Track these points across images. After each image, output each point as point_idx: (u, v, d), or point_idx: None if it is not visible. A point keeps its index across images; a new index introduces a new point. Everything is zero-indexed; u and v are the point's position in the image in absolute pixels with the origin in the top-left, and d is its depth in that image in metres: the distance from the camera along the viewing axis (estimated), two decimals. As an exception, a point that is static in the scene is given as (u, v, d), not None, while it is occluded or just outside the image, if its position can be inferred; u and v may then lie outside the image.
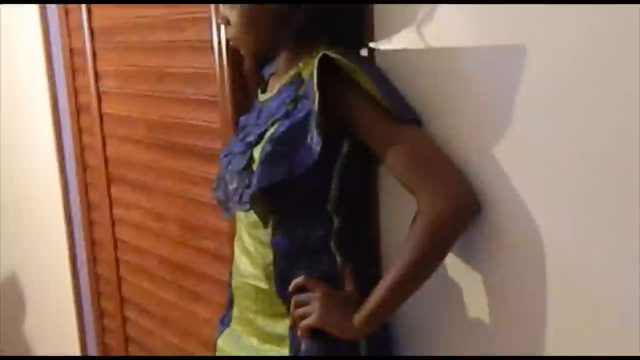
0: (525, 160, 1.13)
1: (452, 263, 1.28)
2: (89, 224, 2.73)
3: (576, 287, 1.10)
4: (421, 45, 1.26)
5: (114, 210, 2.51)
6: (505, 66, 1.14)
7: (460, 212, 1.16)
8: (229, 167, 1.35)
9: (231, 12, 1.31)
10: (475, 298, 1.26)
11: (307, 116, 1.21)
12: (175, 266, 2.24)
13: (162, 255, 2.29)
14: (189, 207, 2.12)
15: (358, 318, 1.21)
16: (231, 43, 1.39)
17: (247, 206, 1.27)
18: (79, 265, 2.85)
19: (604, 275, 1.06)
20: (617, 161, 1.01)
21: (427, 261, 1.18)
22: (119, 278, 2.57)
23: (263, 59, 1.58)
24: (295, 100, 1.26)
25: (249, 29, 1.30)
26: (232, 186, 1.35)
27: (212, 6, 1.76)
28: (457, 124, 1.23)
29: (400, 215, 1.35)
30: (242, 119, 1.47)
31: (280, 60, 1.38)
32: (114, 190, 2.49)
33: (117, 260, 2.55)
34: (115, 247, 2.54)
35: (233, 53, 1.75)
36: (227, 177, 1.37)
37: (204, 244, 2.09)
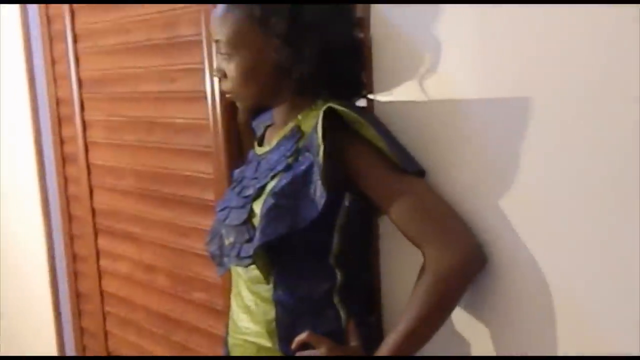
0: (529, 211, 1.12)
1: (458, 315, 1.26)
2: (74, 276, 2.68)
3: (585, 339, 1.08)
4: (421, 97, 1.26)
5: (101, 262, 2.47)
6: (508, 117, 1.13)
7: (467, 267, 1.15)
8: (226, 222, 1.33)
9: (228, 64, 1.29)
10: (481, 351, 1.24)
11: (309, 169, 1.20)
12: (164, 319, 2.19)
13: (151, 308, 2.25)
14: (180, 258, 2.09)
15: None
16: (227, 96, 1.37)
17: (248, 261, 1.25)
18: (63, 318, 2.78)
19: (614, 326, 1.04)
20: (622, 210, 1.00)
21: (434, 317, 1.16)
22: (105, 332, 2.50)
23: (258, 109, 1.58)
24: (296, 153, 1.25)
25: (248, 82, 1.29)
26: (229, 241, 1.32)
27: (206, 57, 1.76)
28: (459, 176, 1.22)
29: (400, 264, 1.34)
30: (237, 172, 1.45)
31: (278, 112, 1.36)
32: (101, 242, 2.45)
33: (103, 314, 2.49)
34: (102, 300, 2.49)
35: (227, 104, 1.75)
36: (223, 232, 1.34)
37: (195, 296, 2.05)
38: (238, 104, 1.39)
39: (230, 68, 1.29)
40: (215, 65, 1.37)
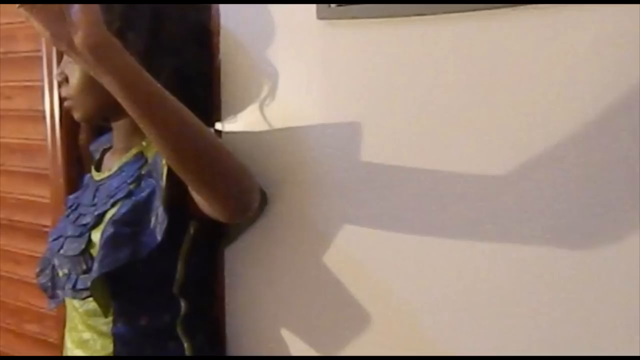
0: (369, 229, 1.16)
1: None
2: None
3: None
4: (265, 124, 1.26)
5: None
6: (346, 142, 1.16)
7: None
8: (61, 252, 1.24)
9: (72, 68, 1.22)
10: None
11: (150, 194, 1.15)
12: (-8, 354, 2.04)
13: (-23, 342, 2.08)
14: (10, 287, 1.97)
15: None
16: (65, 104, 1.27)
17: (85, 293, 1.17)
18: None
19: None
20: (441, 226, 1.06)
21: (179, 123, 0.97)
22: None
23: (100, 130, 1.51)
24: (139, 179, 1.20)
25: (89, 92, 1.21)
26: (63, 272, 1.24)
27: (45, 75, 1.68)
28: (302, 199, 1.23)
29: (246, 295, 1.33)
30: (71, 198, 1.37)
31: (118, 134, 1.30)
32: None
33: None
34: None
35: (67, 124, 1.67)
36: (56, 262, 1.26)
37: (26, 328, 1.94)
38: (74, 114, 1.28)
39: (75, 72, 1.21)
40: (59, 67, 1.27)
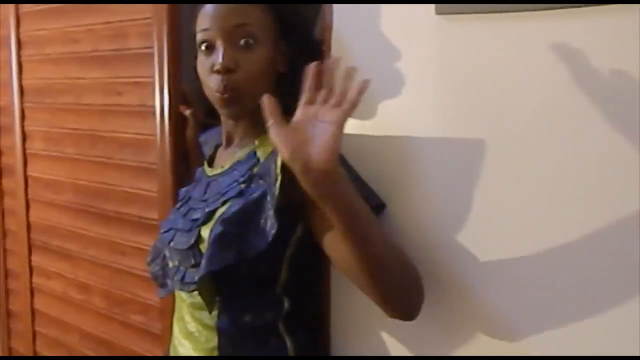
0: (486, 244, 1.10)
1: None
2: (6, 293, 2.55)
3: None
4: (378, 129, 1.23)
5: (34, 279, 2.36)
6: (464, 155, 1.11)
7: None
8: (171, 244, 1.26)
9: (247, 54, 1.19)
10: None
11: (261, 197, 1.14)
12: (98, 342, 2.11)
13: (84, 329, 2.16)
14: (117, 278, 2.01)
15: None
16: (223, 96, 1.19)
17: (192, 287, 1.19)
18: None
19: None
20: (569, 241, 1.01)
21: (382, 255, 1.03)
22: (35, 354, 2.39)
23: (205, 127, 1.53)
24: (250, 179, 1.19)
25: (260, 81, 1.20)
26: (173, 263, 1.26)
27: (156, 71, 1.71)
28: (417, 211, 1.19)
29: (352, 292, 1.29)
30: (183, 191, 1.38)
31: (236, 131, 1.30)
32: (35, 258, 2.34)
33: (34, 334, 2.38)
34: (33, 320, 2.38)
35: (175, 119, 1.69)
36: (167, 254, 1.28)
37: (132, 318, 1.98)
38: (229, 108, 1.21)
39: (248, 60, 1.18)
40: (221, 55, 1.17)
